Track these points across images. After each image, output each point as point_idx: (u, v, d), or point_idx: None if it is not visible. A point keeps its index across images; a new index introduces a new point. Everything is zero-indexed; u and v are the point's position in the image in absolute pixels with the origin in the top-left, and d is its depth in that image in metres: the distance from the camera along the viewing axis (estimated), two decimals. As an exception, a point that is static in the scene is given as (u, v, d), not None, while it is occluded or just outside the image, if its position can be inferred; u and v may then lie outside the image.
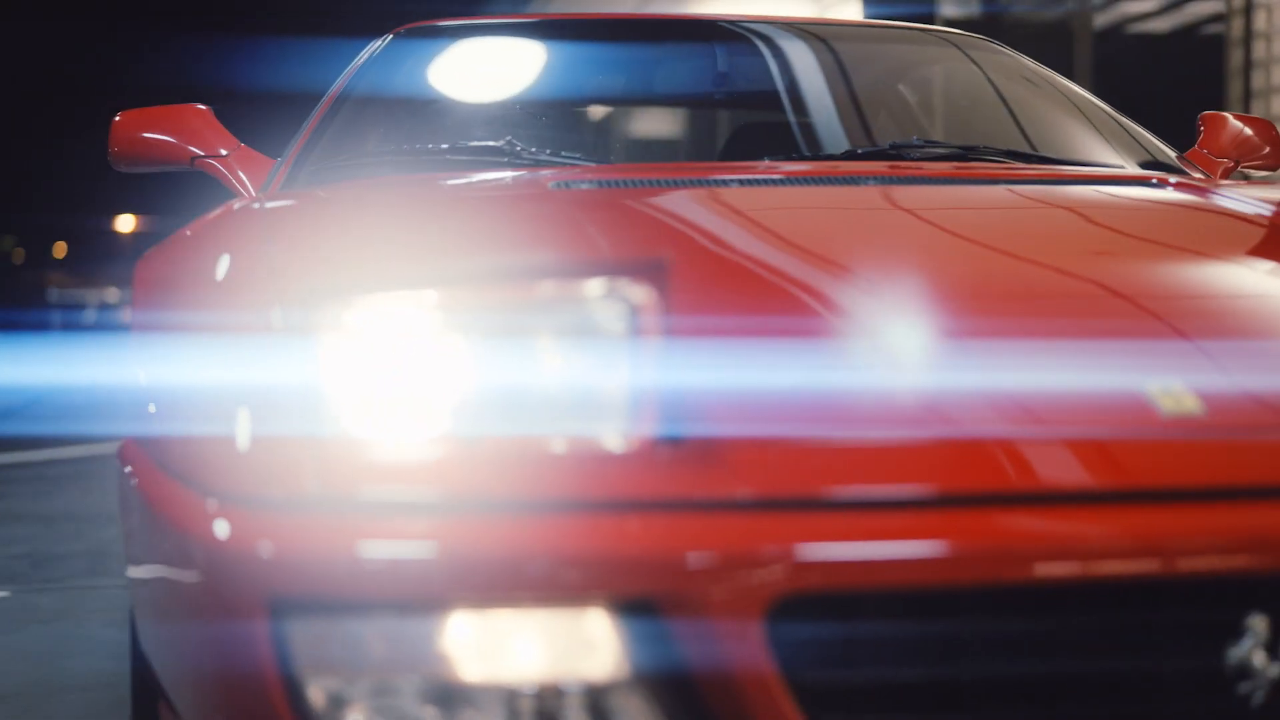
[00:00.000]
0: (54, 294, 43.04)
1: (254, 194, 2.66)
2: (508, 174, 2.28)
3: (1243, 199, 2.15)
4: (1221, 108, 7.58)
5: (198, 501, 1.44)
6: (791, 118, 2.90)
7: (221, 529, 1.39)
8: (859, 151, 2.53)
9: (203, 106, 2.89)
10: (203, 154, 2.81)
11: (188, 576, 1.44)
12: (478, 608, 1.34)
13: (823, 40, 3.05)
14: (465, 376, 1.44)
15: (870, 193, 2.13)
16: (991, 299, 1.63)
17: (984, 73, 3.06)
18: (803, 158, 2.50)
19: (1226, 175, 3.01)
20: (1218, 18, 7.76)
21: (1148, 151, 2.88)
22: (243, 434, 1.44)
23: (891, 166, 2.43)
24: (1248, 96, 7.06)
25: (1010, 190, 2.19)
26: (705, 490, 1.36)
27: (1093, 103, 3.05)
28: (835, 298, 1.60)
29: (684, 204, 1.99)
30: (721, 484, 1.36)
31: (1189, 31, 8.29)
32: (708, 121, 3.44)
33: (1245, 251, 1.94)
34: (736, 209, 1.96)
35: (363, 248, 1.63)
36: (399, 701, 1.36)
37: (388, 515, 1.36)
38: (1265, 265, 1.85)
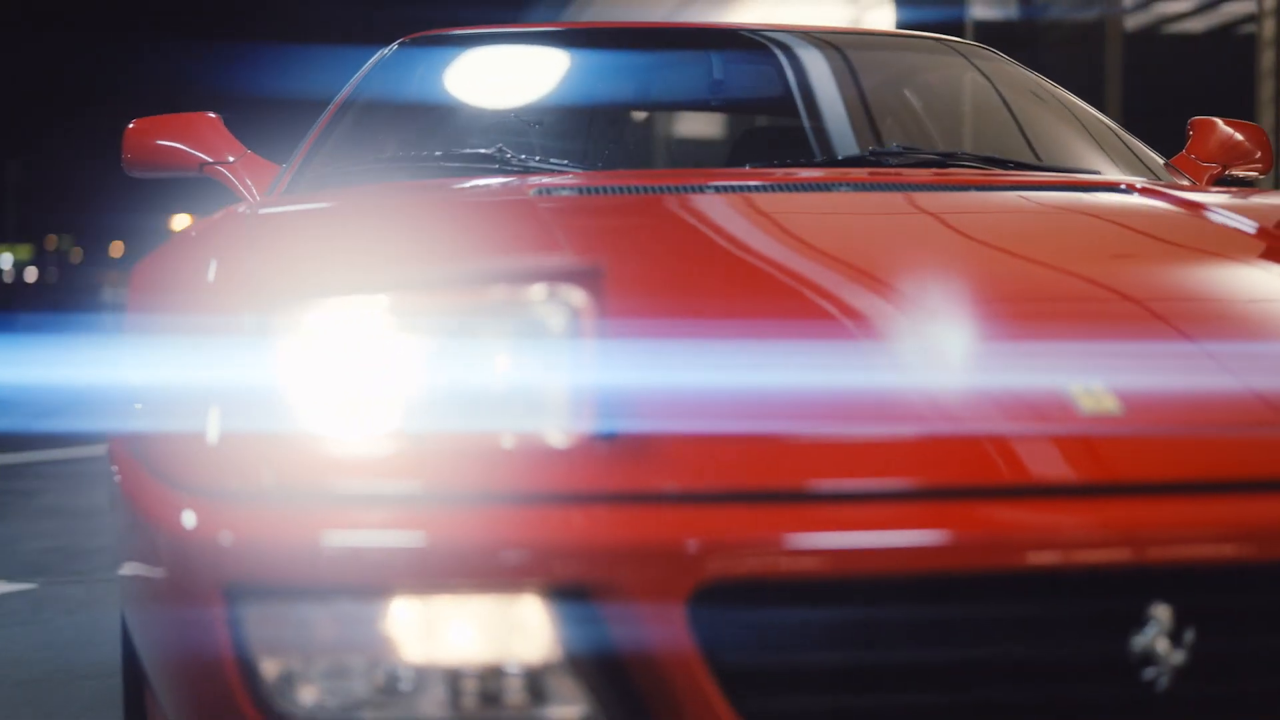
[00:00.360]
0: (109, 293, 43.51)
1: (258, 199, 2.76)
2: (492, 180, 2.36)
3: (1204, 204, 2.21)
4: (1252, 109, 7.60)
5: (168, 494, 1.53)
6: (796, 122, 2.98)
7: (185, 519, 1.48)
8: (839, 158, 2.60)
9: (213, 115, 2.99)
10: (211, 160, 2.91)
11: (158, 566, 1.53)
12: (420, 594, 1.42)
13: (816, 47, 3.12)
14: (415, 376, 1.52)
15: (835, 198, 2.21)
16: (919, 300, 1.71)
17: (978, 80, 3.12)
18: (783, 164, 2.57)
19: (1213, 180, 3.07)
20: (1251, 18, 7.77)
21: (1137, 157, 2.94)
22: (209, 431, 1.53)
23: (871, 173, 2.50)
24: (1280, 98, 7.07)
25: (974, 196, 2.26)
26: (636, 483, 1.44)
27: (1085, 110, 3.11)
28: (766, 300, 1.68)
29: (644, 210, 2.07)
30: (651, 477, 1.44)
31: (1223, 32, 8.29)
32: (746, 124, 3.51)
33: (1187, 256, 2.00)
34: (694, 216, 2.04)
35: (327, 254, 1.72)
36: (347, 682, 1.44)
37: (338, 506, 1.45)
38: (1201, 270, 1.91)
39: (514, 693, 1.44)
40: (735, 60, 3.15)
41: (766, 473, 1.45)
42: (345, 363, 1.53)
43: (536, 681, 1.43)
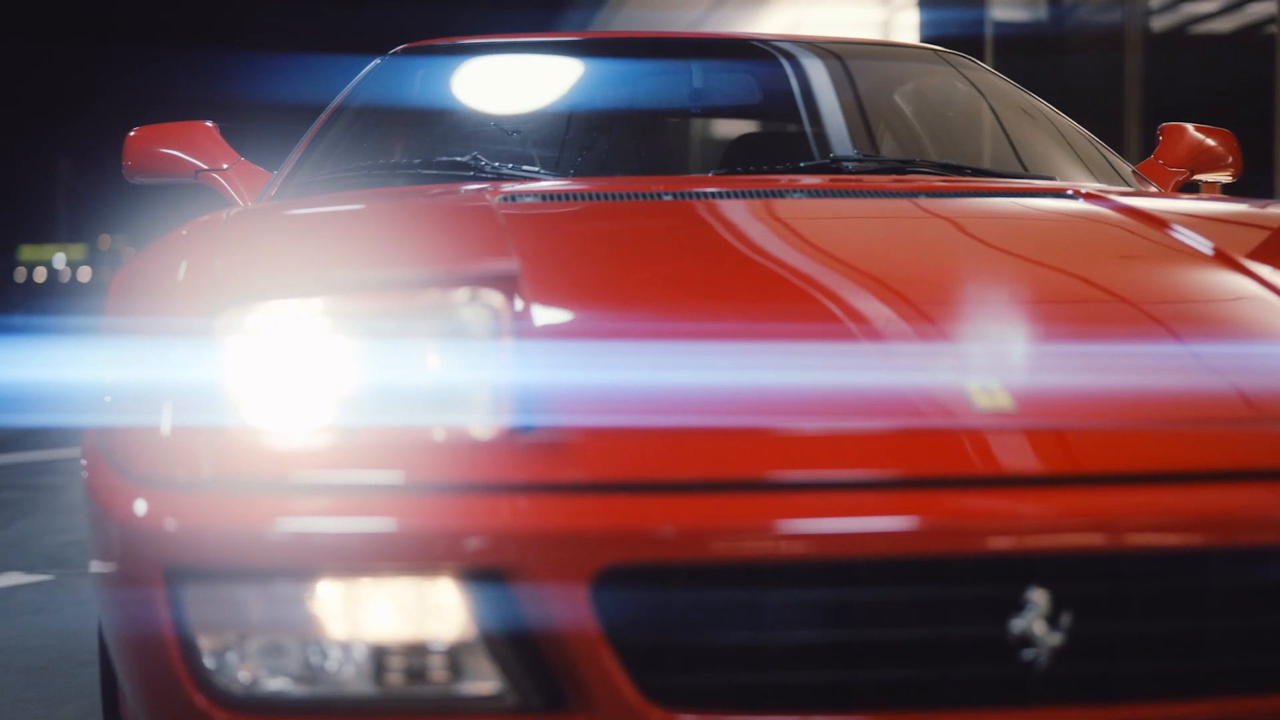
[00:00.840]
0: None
1: (246, 205, 2.87)
2: (461, 188, 2.47)
3: (1139, 209, 2.28)
4: (1273, 110, 7.63)
5: (122, 485, 1.64)
6: (767, 128, 3.07)
7: (135, 508, 1.59)
8: (801, 165, 2.69)
9: (210, 124, 3.11)
10: (206, 167, 3.03)
11: (113, 552, 1.64)
12: (345, 576, 1.53)
13: (789, 56, 3.22)
14: (346, 374, 1.63)
15: (783, 204, 2.30)
16: (831, 301, 1.81)
17: (951, 87, 3.21)
18: (747, 171, 2.67)
19: (1179, 186, 3.14)
20: (1272, 20, 7.79)
21: (1108, 162, 3.02)
22: (162, 425, 1.64)
23: (832, 179, 2.59)
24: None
25: (918, 202, 2.35)
26: (547, 474, 1.54)
27: (1057, 117, 3.19)
28: (686, 301, 1.78)
29: (595, 216, 2.18)
30: (561, 469, 1.55)
31: (1246, 33, 8.32)
32: (725, 130, 3.60)
33: (1103, 259, 2.09)
34: (641, 222, 2.15)
35: (275, 259, 1.83)
36: (279, 659, 1.55)
37: (272, 495, 1.56)
38: (1112, 272, 2.00)
39: (433, 669, 1.54)
40: (714, 69, 3.25)
41: (667, 465, 1.55)
42: (283, 361, 1.64)
43: (453, 659, 1.54)
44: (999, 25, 8.60)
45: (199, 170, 3.05)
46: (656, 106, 3.15)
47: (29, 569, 4.31)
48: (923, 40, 9.65)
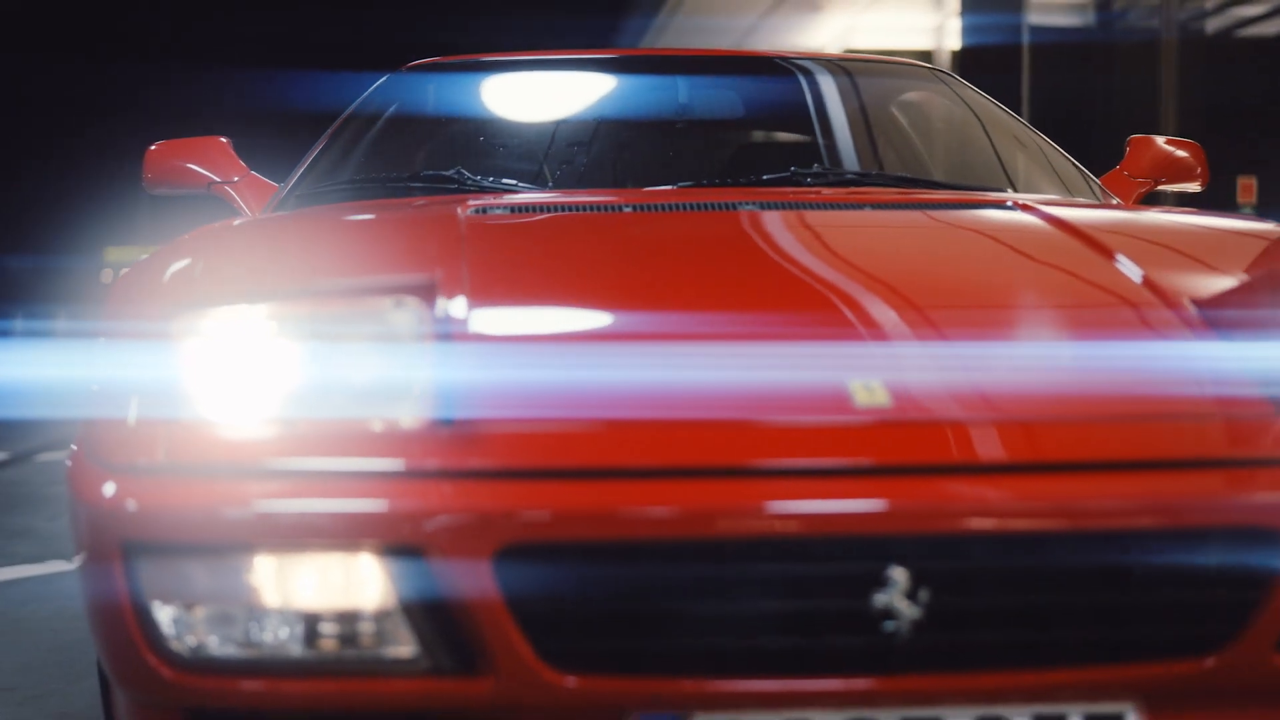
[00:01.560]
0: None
1: (251, 216, 3.08)
2: (437, 200, 2.66)
3: (1064, 220, 2.42)
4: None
5: (94, 471, 1.84)
6: (742, 140, 3.25)
7: (102, 490, 1.79)
8: (764, 178, 2.86)
9: (224, 139, 3.32)
10: (218, 180, 3.25)
11: (81, 530, 1.84)
12: (279, 551, 1.72)
13: (766, 72, 3.39)
14: (285, 372, 1.82)
15: (727, 216, 2.48)
16: (734, 307, 1.98)
17: (924, 101, 3.37)
18: (712, 184, 2.83)
19: (1141, 197, 3.29)
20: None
21: (1074, 175, 3.17)
22: (128, 417, 1.84)
23: (795, 192, 2.76)
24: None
25: (859, 214, 2.52)
26: (458, 462, 1.73)
27: (1024, 131, 3.34)
28: (602, 307, 1.96)
29: (554, 226, 2.37)
30: (473, 456, 1.73)
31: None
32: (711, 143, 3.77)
33: (1009, 267, 2.24)
34: (591, 232, 2.33)
35: (229, 269, 2.03)
36: (222, 626, 1.74)
37: (218, 479, 1.75)
38: (1011, 279, 2.16)
39: (357, 635, 1.73)
40: (699, 85, 3.42)
41: (564, 455, 1.73)
42: (230, 360, 1.83)
43: (375, 626, 1.72)
44: (1034, 29, 8.71)
45: (212, 182, 3.26)
46: (639, 120, 3.32)
47: (71, 558, 4.55)
48: (965, 46, 9.78)
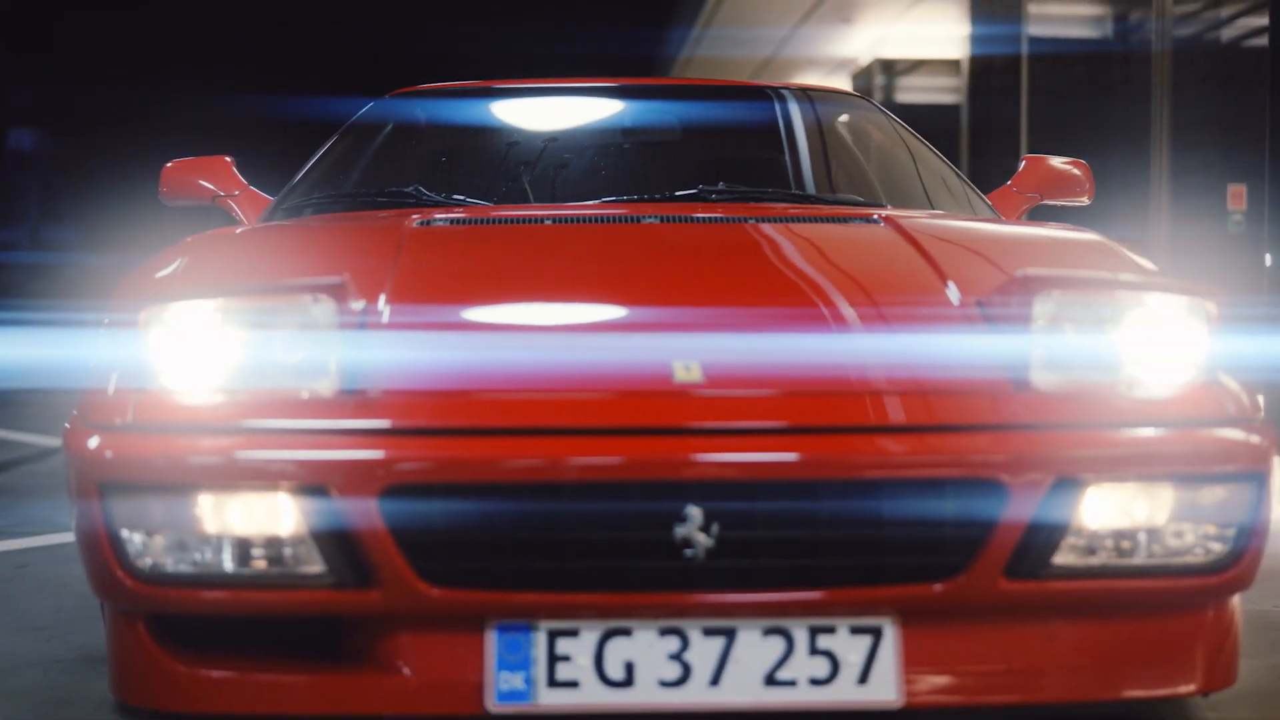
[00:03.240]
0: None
1: (245, 226, 3.59)
2: (391, 213, 3.16)
3: (908, 229, 2.87)
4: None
5: (81, 429, 2.34)
6: (672, 161, 3.73)
7: (84, 443, 2.29)
8: (676, 194, 3.33)
9: (229, 158, 3.84)
10: (222, 194, 3.76)
11: (71, 476, 2.34)
12: (218, 490, 2.21)
13: (699, 98, 3.87)
14: (229, 352, 2.32)
15: (629, 227, 2.95)
16: (593, 300, 2.46)
17: (836, 123, 3.84)
18: (631, 200, 3.32)
19: (1026, 211, 3.74)
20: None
21: (963, 190, 3.63)
22: (106, 388, 2.35)
23: (695, 206, 3.23)
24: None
25: (731, 225, 2.98)
26: (356, 421, 2.22)
27: (930, 155, 3.79)
28: (497, 301, 2.45)
29: (482, 235, 2.86)
30: (366, 418, 2.22)
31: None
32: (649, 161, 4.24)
33: (833, 269, 2.70)
34: (512, 240, 2.83)
35: (191, 271, 2.53)
36: (176, 550, 2.24)
37: (174, 435, 2.25)
38: (834, 279, 2.61)
39: (278, 557, 2.22)
40: (641, 111, 3.91)
41: (439, 416, 2.22)
42: (188, 343, 2.33)
43: (292, 549, 2.22)
44: (1033, 40, 9.12)
45: (216, 196, 3.78)
46: (582, 142, 3.81)
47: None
48: (973, 55, 10.19)
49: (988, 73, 9.85)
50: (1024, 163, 3.89)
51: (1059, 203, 3.84)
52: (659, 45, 17.50)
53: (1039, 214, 3.90)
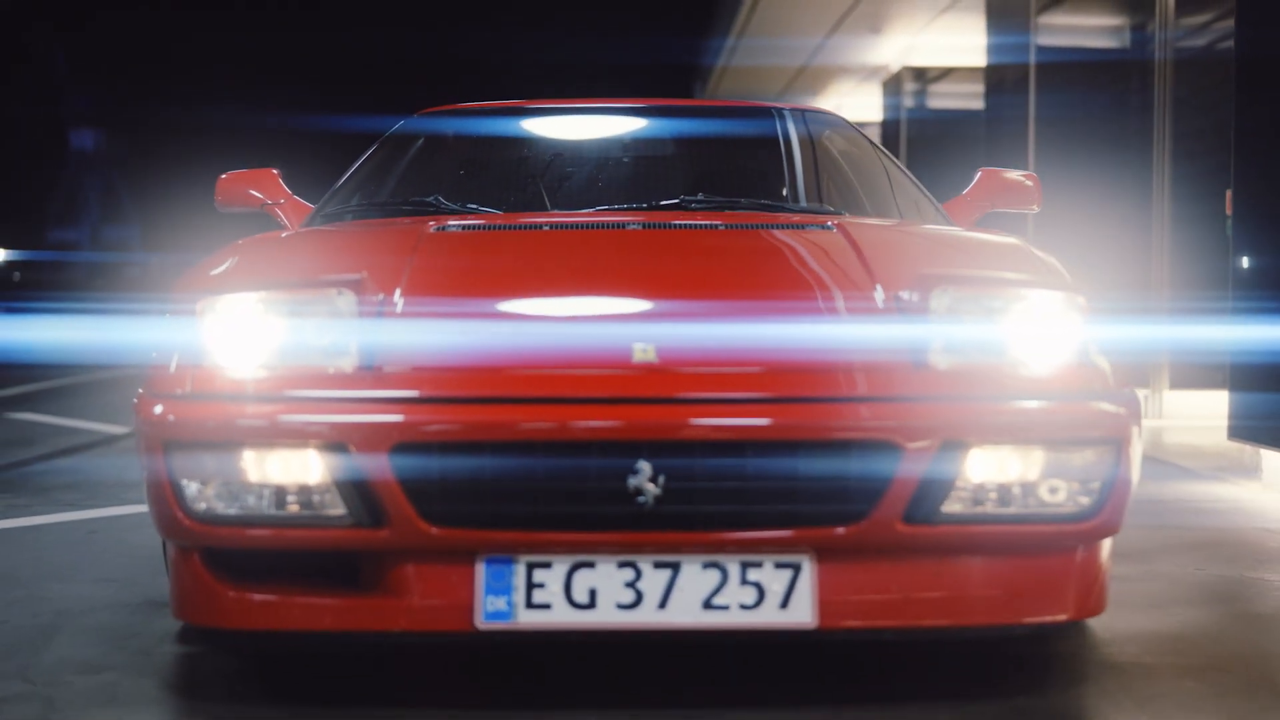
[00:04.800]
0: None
1: (289, 230, 4.11)
2: (413, 220, 3.66)
3: (856, 236, 3.34)
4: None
5: (148, 399, 2.86)
6: (659, 172, 4.22)
7: (151, 410, 2.81)
8: (660, 203, 3.82)
9: (275, 171, 4.36)
10: (269, 202, 4.29)
11: (140, 437, 2.86)
12: (259, 447, 2.72)
13: (688, 117, 4.36)
14: (271, 336, 2.83)
15: (614, 233, 3.44)
16: (575, 293, 2.95)
17: (804, 138, 4.32)
18: (623, 208, 3.81)
19: (977, 220, 4.21)
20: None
21: (925, 198, 4.11)
22: (169, 364, 2.87)
23: (675, 214, 3.71)
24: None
25: (702, 231, 3.47)
26: (375, 390, 2.72)
27: (893, 166, 4.27)
28: (496, 295, 2.94)
29: (486, 239, 3.35)
30: (381, 388, 2.72)
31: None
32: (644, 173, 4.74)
33: (776, 270, 3.17)
34: (513, 243, 3.32)
35: (239, 267, 3.05)
36: (226, 495, 2.75)
37: (226, 402, 2.76)
38: (777, 277, 3.09)
39: (308, 501, 2.73)
40: (639, 130, 4.41)
41: (439, 388, 2.71)
42: (236, 328, 2.84)
43: (320, 495, 2.72)
44: (1040, 49, 9.55)
45: (264, 204, 4.30)
46: (584, 156, 4.32)
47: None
48: (990, 63, 10.61)
49: (1001, 80, 10.30)
50: (979, 174, 4.36)
51: (1009, 210, 4.31)
52: (699, 54, 17.99)
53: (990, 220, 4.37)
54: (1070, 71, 9.36)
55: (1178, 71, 8.91)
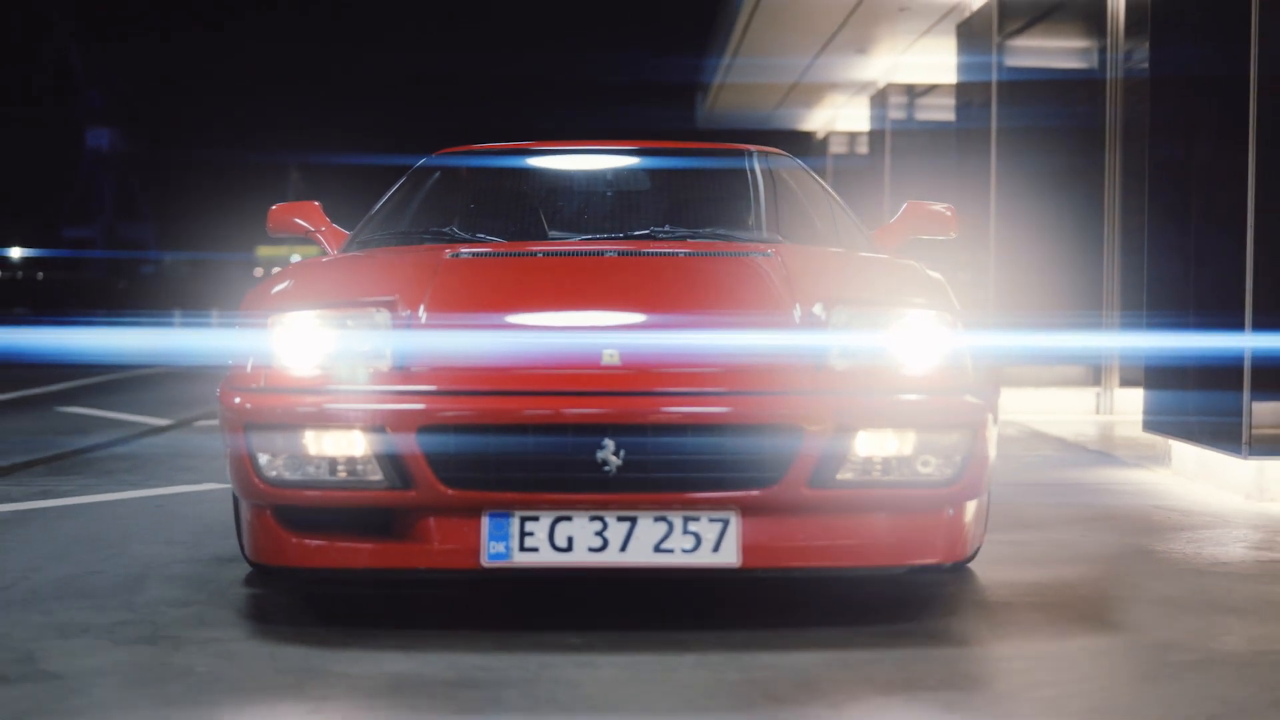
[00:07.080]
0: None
1: (328, 254, 4.97)
2: (431, 246, 4.51)
3: (788, 261, 4.18)
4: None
5: (230, 391, 3.72)
6: (640, 204, 5.08)
7: (235, 399, 3.67)
8: (635, 233, 4.67)
9: (317, 203, 5.23)
10: (312, 229, 5.15)
11: (224, 421, 3.72)
12: (316, 429, 3.58)
13: (667, 155, 5.23)
14: (325, 344, 3.68)
15: (594, 260, 4.29)
16: (561, 308, 3.81)
17: (758, 174, 5.17)
18: (606, 237, 4.66)
19: (901, 245, 5.06)
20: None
21: (856, 226, 4.96)
22: (245, 365, 3.73)
23: (644, 244, 4.54)
24: None
25: (664, 258, 4.31)
26: (405, 385, 3.58)
27: (830, 197, 5.12)
28: (502, 311, 3.79)
29: (495, 265, 4.21)
30: (412, 383, 3.58)
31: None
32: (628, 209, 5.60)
33: (716, 290, 4.02)
34: (516, 269, 4.18)
35: (298, 288, 3.90)
36: (292, 465, 3.61)
37: (291, 394, 3.62)
38: (715, 296, 3.94)
39: (354, 470, 3.59)
40: (625, 166, 5.27)
41: (456, 382, 3.57)
42: (297, 338, 3.70)
43: (363, 465, 3.58)
44: (1004, 69, 10.40)
45: (308, 231, 5.17)
46: (577, 191, 5.18)
47: (225, 480, 6.47)
48: (959, 81, 11.44)
49: (969, 96, 11.15)
50: (905, 206, 5.21)
51: (930, 237, 5.16)
52: (698, 72, 18.86)
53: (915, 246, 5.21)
54: (1028, 89, 10.21)
55: (1126, 89, 9.74)
